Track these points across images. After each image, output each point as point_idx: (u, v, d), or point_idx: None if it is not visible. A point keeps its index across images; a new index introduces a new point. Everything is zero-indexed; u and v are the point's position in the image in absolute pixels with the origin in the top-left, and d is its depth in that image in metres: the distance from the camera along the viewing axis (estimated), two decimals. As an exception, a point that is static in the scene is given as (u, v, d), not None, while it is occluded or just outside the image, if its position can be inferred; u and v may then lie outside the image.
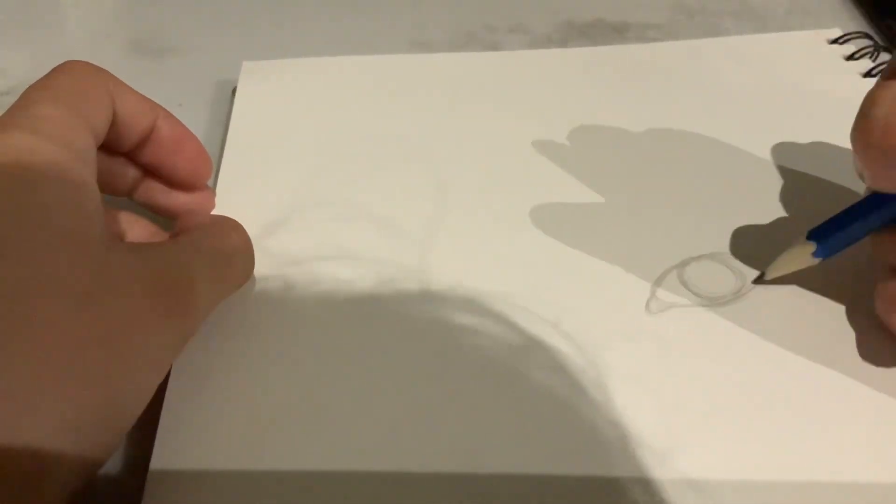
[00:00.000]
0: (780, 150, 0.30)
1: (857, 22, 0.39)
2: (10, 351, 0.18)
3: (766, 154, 0.30)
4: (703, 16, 0.41)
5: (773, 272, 0.25)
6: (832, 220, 0.24)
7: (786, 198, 0.28)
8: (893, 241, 0.24)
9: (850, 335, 0.24)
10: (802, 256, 0.25)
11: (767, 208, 0.28)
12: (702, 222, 0.28)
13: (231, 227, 0.26)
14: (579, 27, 0.40)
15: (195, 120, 0.35)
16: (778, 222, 0.27)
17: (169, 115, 0.26)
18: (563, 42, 0.40)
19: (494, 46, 0.39)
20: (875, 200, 0.24)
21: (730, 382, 0.23)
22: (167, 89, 0.38)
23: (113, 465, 0.23)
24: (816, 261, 0.25)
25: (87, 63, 0.24)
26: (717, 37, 0.39)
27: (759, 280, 0.26)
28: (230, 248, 0.25)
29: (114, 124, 0.24)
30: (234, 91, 0.35)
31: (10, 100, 0.38)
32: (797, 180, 0.29)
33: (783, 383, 0.23)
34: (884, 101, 0.20)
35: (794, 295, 0.25)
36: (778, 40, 0.36)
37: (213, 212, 0.29)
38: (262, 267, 0.27)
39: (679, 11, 0.41)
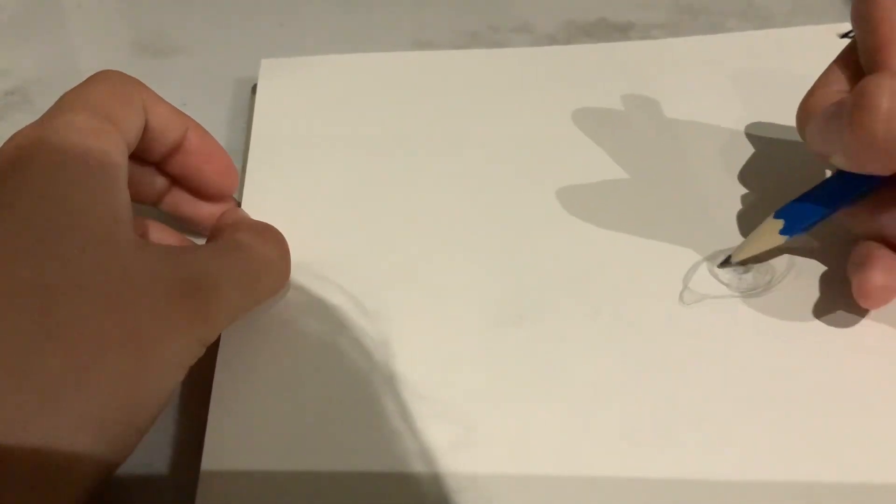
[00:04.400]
0: (796, 143, 0.30)
1: (861, 21, 0.39)
2: (35, 347, 0.18)
3: (782, 148, 0.30)
4: (706, 15, 0.41)
5: (743, 253, 0.26)
6: (801, 199, 0.25)
7: (805, 188, 0.28)
8: (861, 214, 0.25)
9: (884, 325, 0.24)
10: (770, 235, 0.25)
11: (789, 199, 0.28)
12: (724, 217, 0.28)
13: (270, 238, 0.25)
14: (583, 27, 0.40)
15: (198, 119, 0.35)
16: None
17: (198, 127, 0.27)
18: (567, 42, 0.40)
19: (498, 46, 0.39)
20: (845, 179, 0.24)
21: (766, 372, 0.23)
22: (170, 89, 0.38)
23: (160, 467, 0.23)
24: (783, 239, 0.25)
25: (121, 73, 0.24)
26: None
27: (724, 264, 0.26)
28: (264, 259, 0.25)
29: (145, 134, 0.25)
30: (254, 88, 0.35)
31: (16, 100, 0.38)
32: (815, 171, 0.29)
33: (819, 374, 0.23)
34: (882, 94, 0.21)
35: (827, 284, 0.26)
36: (789, 35, 0.36)
37: (245, 207, 0.29)
38: (305, 264, 0.27)
39: (682, 11, 0.41)
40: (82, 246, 0.20)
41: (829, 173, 0.29)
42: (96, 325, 0.19)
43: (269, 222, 0.26)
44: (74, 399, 0.18)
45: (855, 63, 0.26)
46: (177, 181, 0.28)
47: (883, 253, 0.24)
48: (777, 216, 0.25)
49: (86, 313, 0.19)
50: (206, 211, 0.28)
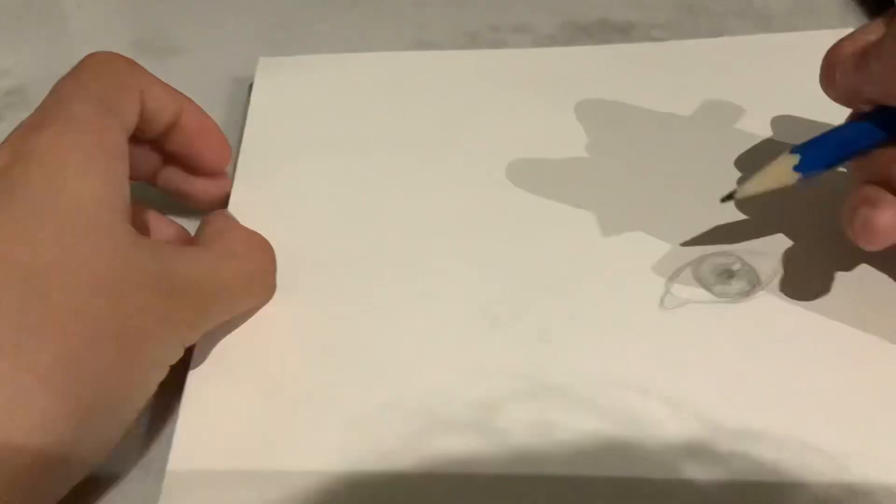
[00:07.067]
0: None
1: (861, 21, 0.39)
2: (31, 330, 0.18)
3: (781, 153, 0.30)
4: (707, 15, 0.41)
5: (750, 188, 0.24)
6: (820, 137, 0.24)
7: (799, 195, 0.28)
8: (876, 161, 0.24)
9: (870, 333, 0.24)
10: (784, 170, 0.24)
11: (780, 206, 0.28)
12: (716, 220, 0.28)
13: (262, 249, 0.26)
14: (583, 27, 0.40)
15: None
16: (791, 219, 0.27)
17: (192, 105, 0.27)
18: (568, 42, 0.40)
19: (498, 46, 0.39)
20: (866, 124, 0.24)
21: (747, 378, 0.23)
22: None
23: (125, 467, 0.23)
24: (795, 177, 0.24)
25: (115, 55, 0.25)
26: (721, 36, 0.39)
27: (727, 198, 0.24)
28: (255, 269, 0.25)
29: (141, 115, 0.25)
30: (251, 87, 0.35)
31: (16, 99, 0.38)
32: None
33: (801, 379, 0.23)
34: None
35: (811, 291, 0.25)
36: (793, 39, 0.36)
37: (232, 207, 0.29)
38: (281, 264, 0.27)
39: (683, 11, 0.41)
40: (82, 234, 0.20)
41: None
42: (91, 314, 0.19)
43: (257, 220, 0.27)
44: (65, 386, 0.18)
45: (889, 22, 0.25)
46: (171, 158, 0.28)
47: (890, 196, 0.23)
48: (794, 151, 0.24)
49: (82, 300, 0.19)
50: (199, 186, 0.29)
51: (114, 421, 0.20)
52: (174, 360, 0.22)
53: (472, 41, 0.40)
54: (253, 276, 0.25)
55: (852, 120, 0.25)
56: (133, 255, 0.21)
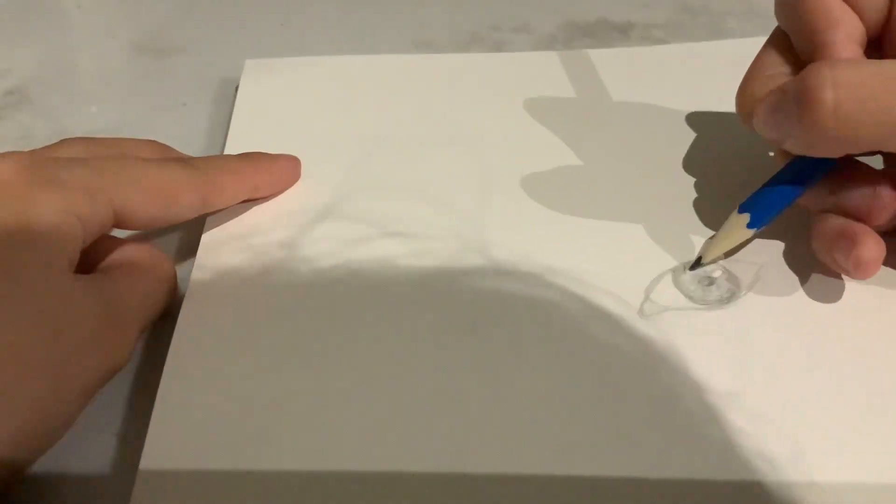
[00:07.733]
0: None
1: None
2: None
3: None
4: (707, 16, 0.41)
5: (712, 253, 0.26)
6: (762, 189, 0.25)
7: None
8: (821, 193, 0.25)
9: (846, 337, 0.24)
10: (738, 230, 0.25)
11: None
12: (699, 226, 0.28)
13: (153, 254, 0.26)
14: (583, 27, 0.40)
15: (198, 119, 0.35)
16: (771, 226, 0.27)
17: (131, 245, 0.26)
18: (567, 42, 0.40)
19: (498, 46, 0.39)
20: (803, 164, 0.25)
21: (725, 385, 0.23)
22: (170, 89, 0.38)
23: (101, 466, 0.23)
24: (751, 233, 0.25)
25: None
26: (721, 36, 0.39)
27: (696, 265, 0.26)
28: (161, 276, 0.25)
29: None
30: (237, 89, 0.35)
31: (16, 99, 0.38)
32: None
33: (780, 385, 0.23)
34: (825, 86, 0.21)
35: (788, 299, 0.25)
36: None
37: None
38: (261, 265, 0.27)
39: (683, 11, 0.41)
40: (30, 266, 0.21)
41: (771, 154, 0.30)
42: (30, 345, 0.20)
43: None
44: None
45: (788, 45, 0.26)
46: None
47: (861, 226, 0.24)
48: (742, 210, 0.25)
49: (25, 337, 0.20)
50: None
51: (30, 452, 0.20)
52: (103, 384, 0.22)
53: (473, 41, 0.40)
54: (165, 280, 0.25)
55: (785, 159, 0.25)
56: (77, 289, 0.21)
